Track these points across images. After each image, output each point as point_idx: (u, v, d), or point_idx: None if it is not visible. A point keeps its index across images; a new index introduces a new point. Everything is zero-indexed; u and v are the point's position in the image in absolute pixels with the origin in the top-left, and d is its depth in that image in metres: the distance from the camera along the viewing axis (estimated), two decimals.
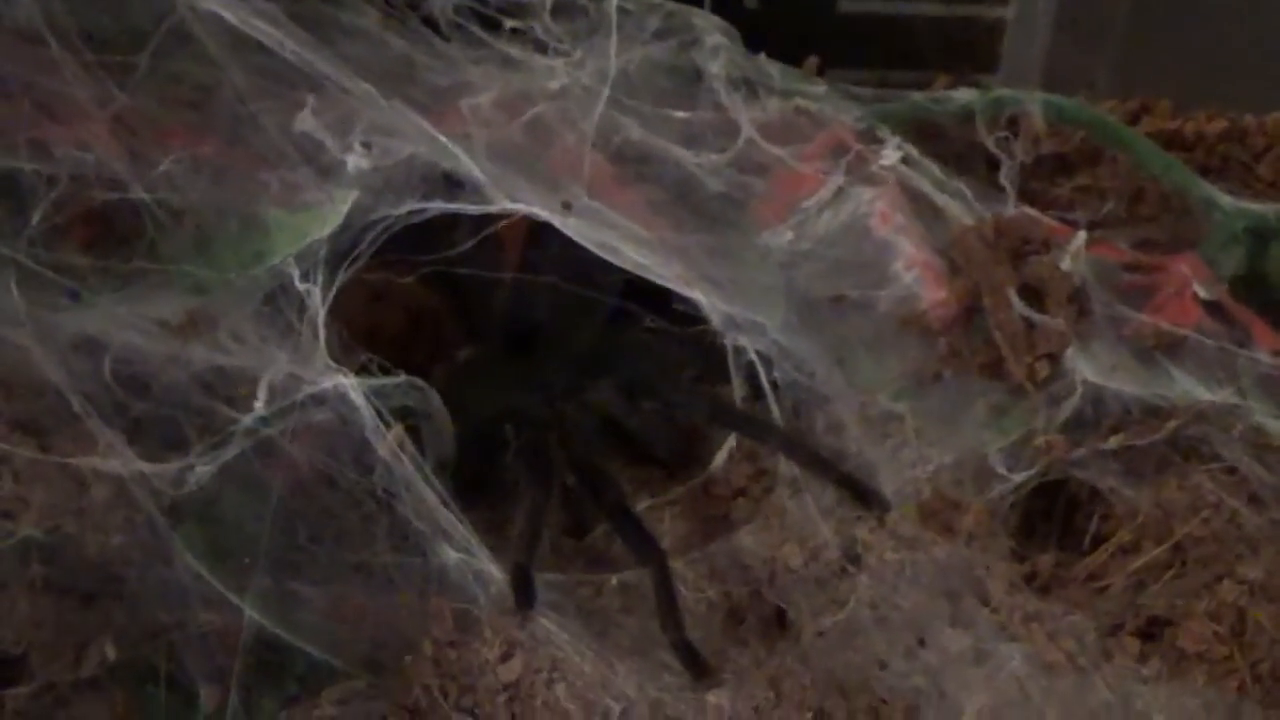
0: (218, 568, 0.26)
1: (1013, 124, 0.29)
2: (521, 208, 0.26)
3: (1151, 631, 0.27)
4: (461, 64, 0.28)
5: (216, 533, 0.27)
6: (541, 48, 0.27)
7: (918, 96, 0.31)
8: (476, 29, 0.28)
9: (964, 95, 0.30)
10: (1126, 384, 0.28)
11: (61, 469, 0.25)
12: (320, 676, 0.25)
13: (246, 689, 0.25)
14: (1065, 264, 0.27)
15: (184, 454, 0.26)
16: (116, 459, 0.25)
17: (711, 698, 0.26)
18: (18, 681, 0.26)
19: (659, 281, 0.27)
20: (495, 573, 0.26)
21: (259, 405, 0.26)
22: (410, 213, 0.27)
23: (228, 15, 0.26)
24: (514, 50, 0.28)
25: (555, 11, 0.27)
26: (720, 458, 0.27)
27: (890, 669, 0.26)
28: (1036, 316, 0.27)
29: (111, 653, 0.26)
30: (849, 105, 0.30)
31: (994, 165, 0.29)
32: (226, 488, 0.25)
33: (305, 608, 0.26)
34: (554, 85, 0.27)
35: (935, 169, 0.28)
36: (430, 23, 0.27)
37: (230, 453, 0.26)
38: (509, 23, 0.27)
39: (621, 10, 0.26)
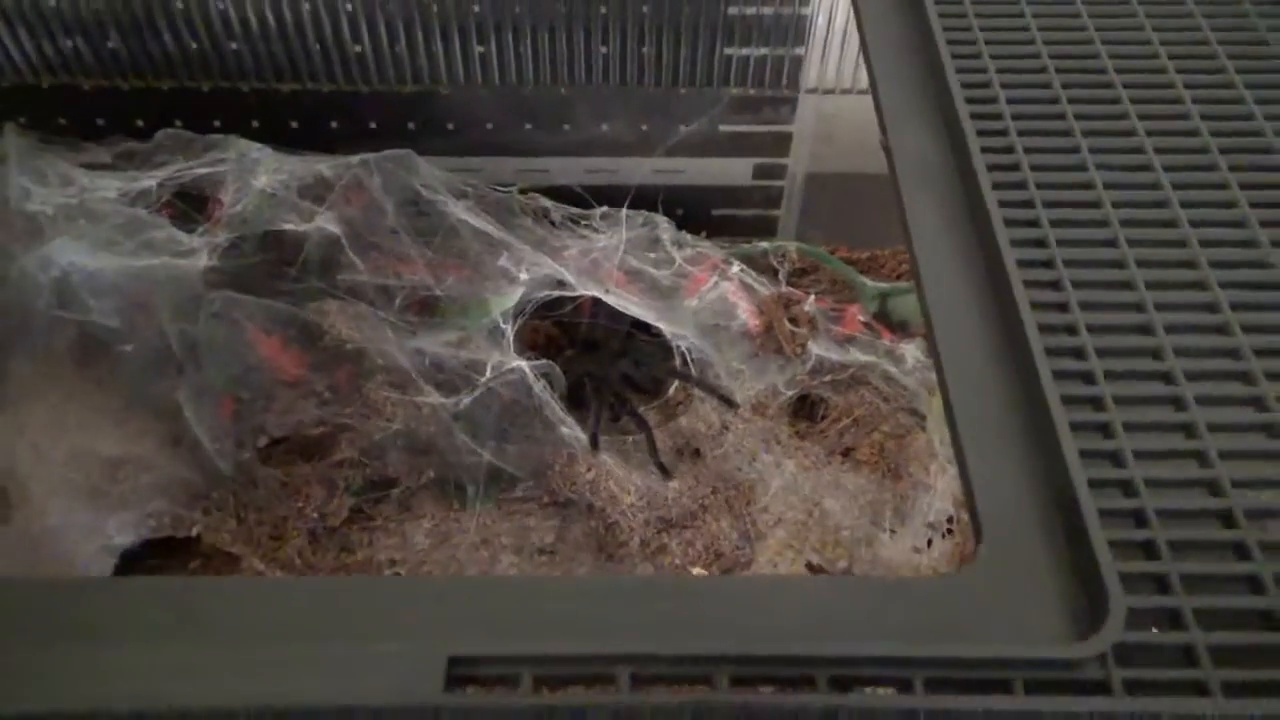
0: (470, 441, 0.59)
1: (782, 256, 0.66)
2: (589, 292, 0.62)
3: (846, 452, 0.62)
4: (562, 236, 0.64)
5: (474, 429, 0.59)
6: (594, 230, 0.64)
7: (745, 246, 0.68)
8: (569, 223, 0.64)
9: (763, 245, 0.68)
10: (833, 353, 0.64)
11: (413, 404, 0.58)
12: (513, 479, 0.58)
13: (484, 485, 0.58)
14: (806, 307, 0.64)
15: (457, 395, 0.60)
16: (434, 397, 0.59)
17: (673, 484, 0.60)
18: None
19: (644, 319, 0.63)
20: (581, 437, 0.60)
21: (489, 373, 0.59)
22: (545, 296, 0.62)
23: (470, 218, 0.62)
24: (582, 230, 0.64)
25: (601, 217, 0.63)
26: (671, 389, 0.62)
27: (742, 471, 0.60)
28: (795, 329, 0.63)
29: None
30: (719, 250, 0.67)
31: (775, 272, 0.66)
32: (478, 409, 0.59)
33: (507, 454, 0.59)
34: (600, 244, 0.63)
35: (752, 274, 0.64)
36: (549, 219, 0.64)
37: (478, 393, 0.59)
38: (582, 221, 0.64)
39: (628, 218, 0.62)
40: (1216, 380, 0.29)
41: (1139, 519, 0.26)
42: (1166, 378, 0.29)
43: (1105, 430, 0.27)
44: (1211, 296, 0.31)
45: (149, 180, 0.55)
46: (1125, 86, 0.37)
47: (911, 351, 0.61)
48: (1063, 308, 0.30)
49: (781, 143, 0.66)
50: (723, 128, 0.65)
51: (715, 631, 0.23)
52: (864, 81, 0.63)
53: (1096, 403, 0.28)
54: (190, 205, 0.56)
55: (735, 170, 0.67)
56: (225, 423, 0.55)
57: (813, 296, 0.62)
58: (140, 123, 0.63)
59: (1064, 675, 0.23)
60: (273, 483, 0.56)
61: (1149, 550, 0.25)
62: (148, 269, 0.54)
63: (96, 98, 0.62)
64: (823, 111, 0.65)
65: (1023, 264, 0.30)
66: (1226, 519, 0.26)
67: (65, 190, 0.54)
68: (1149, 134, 0.35)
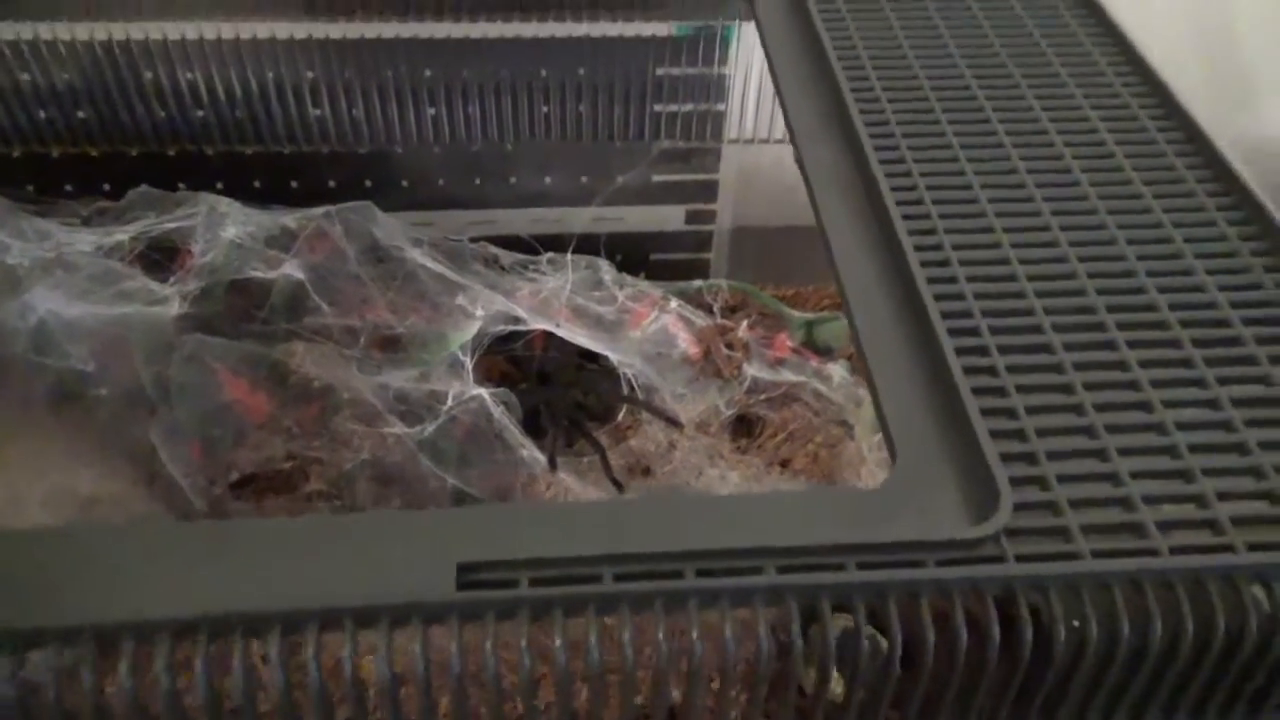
0: (435, 467, 0.63)
1: (715, 293, 0.73)
2: (540, 326, 0.67)
3: (784, 463, 0.67)
4: (512, 279, 0.69)
5: (438, 455, 0.63)
6: (542, 274, 0.69)
7: (681, 284, 0.74)
8: (518, 268, 0.69)
9: (697, 283, 0.74)
10: (766, 374, 0.69)
11: (379, 434, 0.61)
12: (476, 502, 0.62)
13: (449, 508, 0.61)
14: (740, 334, 0.69)
15: (421, 424, 0.63)
16: (399, 427, 0.63)
17: (627, 496, 0.64)
18: None
19: (593, 349, 0.68)
20: (540, 458, 0.63)
21: (450, 402, 0.63)
22: (499, 331, 0.67)
23: (427, 262, 0.66)
24: (530, 274, 0.70)
25: (548, 262, 0.68)
26: (620, 414, 0.67)
27: (690, 484, 0.64)
28: (731, 353, 0.69)
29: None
30: (659, 289, 0.73)
31: (709, 308, 0.72)
32: (441, 437, 0.62)
33: (470, 478, 0.62)
34: (548, 286, 0.68)
35: (689, 309, 0.70)
36: (500, 265, 0.69)
37: (441, 421, 0.63)
38: (531, 266, 0.69)
39: (572, 262, 0.68)
40: (1078, 332, 0.35)
41: (1020, 436, 0.31)
42: (1035, 329, 0.35)
43: (991, 371, 0.33)
44: (1074, 270, 0.37)
45: (122, 234, 0.59)
46: (988, 101, 0.45)
47: (838, 371, 0.67)
48: (947, 270, 0.36)
49: (709, 190, 0.73)
50: (655, 178, 0.72)
51: (682, 536, 0.28)
52: (779, 132, 0.70)
53: (983, 351, 0.34)
54: (162, 256, 0.60)
55: (669, 216, 0.74)
56: (197, 460, 0.58)
57: (745, 324, 0.68)
58: (107, 186, 0.66)
59: (966, 553, 0.28)
60: (245, 516, 0.58)
61: (1030, 459, 0.31)
62: (122, 316, 0.57)
63: (65, 164, 0.66)
64: (744, 160, 0.72)
65: (913, 234, 0.36)
66: (1089, 432, 0.31)
67: (42, 244, 0.57)
68: (1008, 134, 0.42)
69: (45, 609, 0.25)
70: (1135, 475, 0.30)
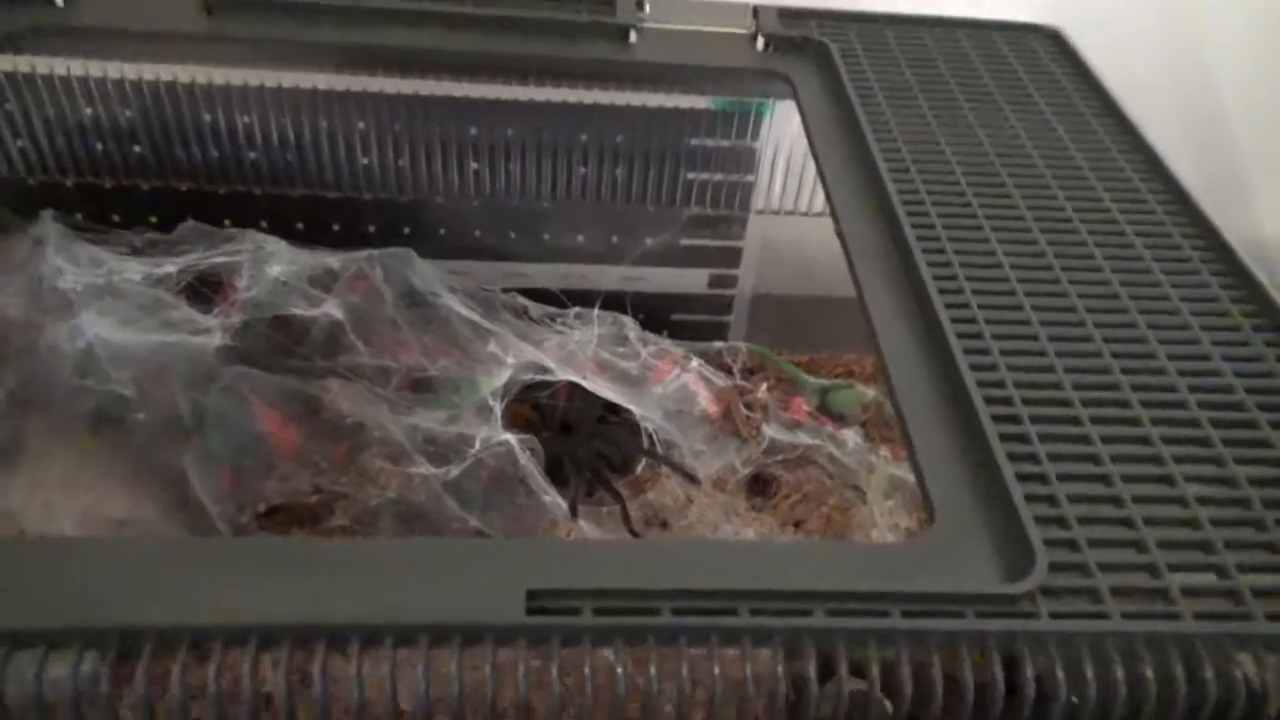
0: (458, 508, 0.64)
1: (734, 355, 0.75)
2: (566, 377, 0.69)
3: (798, 524, 0.68)
4: (540, 330, 0.71)
5: (462, 497, 0.63)
6: (569, 327, 0.71)
7: (702, 345, 0.76)
8: (546, 319, 0.71)
9: (717, 345, 0.76)
10: (783, 436, 0.71)
11: (406, 474, 0.62)
12: None
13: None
14: (759, 395, 0.71)
15: (447, 465, 0.64)
16: (425, 467, 0.64)
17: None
18: None
19: (616, 402, 0.70)
20: (562, 505, 0.64)
21: (478, 445, 0.64)
22: (527, 380, 0.68)
23: (461, 309, 0.68)
24: (558, 326, 0.72)
25: (575, 316, 0.70)
26: (640, 466, 0.68)
27: (706, 537, 0.66)
28: (750, 414, 0.70)
29: None
30: (681, 348, 0.75)
31: (728, 369, 0.74)
32: (466, 479, 0.64)
33: (493, 521, 0.63)
34: (575, 339, 0.70)
35: (709, 369, 0.72)
36: (529, 316, 0.71)
37: (468, 463, 0.64)
38: (558, 319, 0.71)
39: (598, 318, 0.70)
40: (1104, 407, 0.37)
41: (1051, 501, 0.33)
42: (1067, 403, 0.37)
43: (1023, 439, 0.35)
44: (1109, 366, 0.39)
45: (171, 265, 0.61)
46: (1016, 187, 0.47)
47: (851, 436, 0.69)
48: (980, 343, 0.38)
49: (733, 256, 0.75)
50: (683, 241, 0.74)
51: (737, 577, 0.29)
52: (804, 205, 0.73)
53: (1015, 419, 0.36)
54: (208, 289, 0.62)
55: (692, 279, 0.76)
56: (227, 489, 0.59)
57: (764, 387, 0.70)
58: (154, 219, 0.69)
59: (1005, 608, 0.29)
60: None
61: (1061, 523, 0.32)
62: (165, 344, 0.59)
63: (116, 195, 0.68)
64: (769, 231, 0.75)
65: (949, 307, 0.39)
66: (1116, 502, 0.33)
67: (95, 271, 0.59)
68: (1035, 220, 0.45)
69: (141, 610, 0.26)
70: (1160, 544, 0.32)
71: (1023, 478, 0.33)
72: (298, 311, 0.62)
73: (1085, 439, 0.36)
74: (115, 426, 0.57)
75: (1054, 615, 0.29)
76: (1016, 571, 0.31)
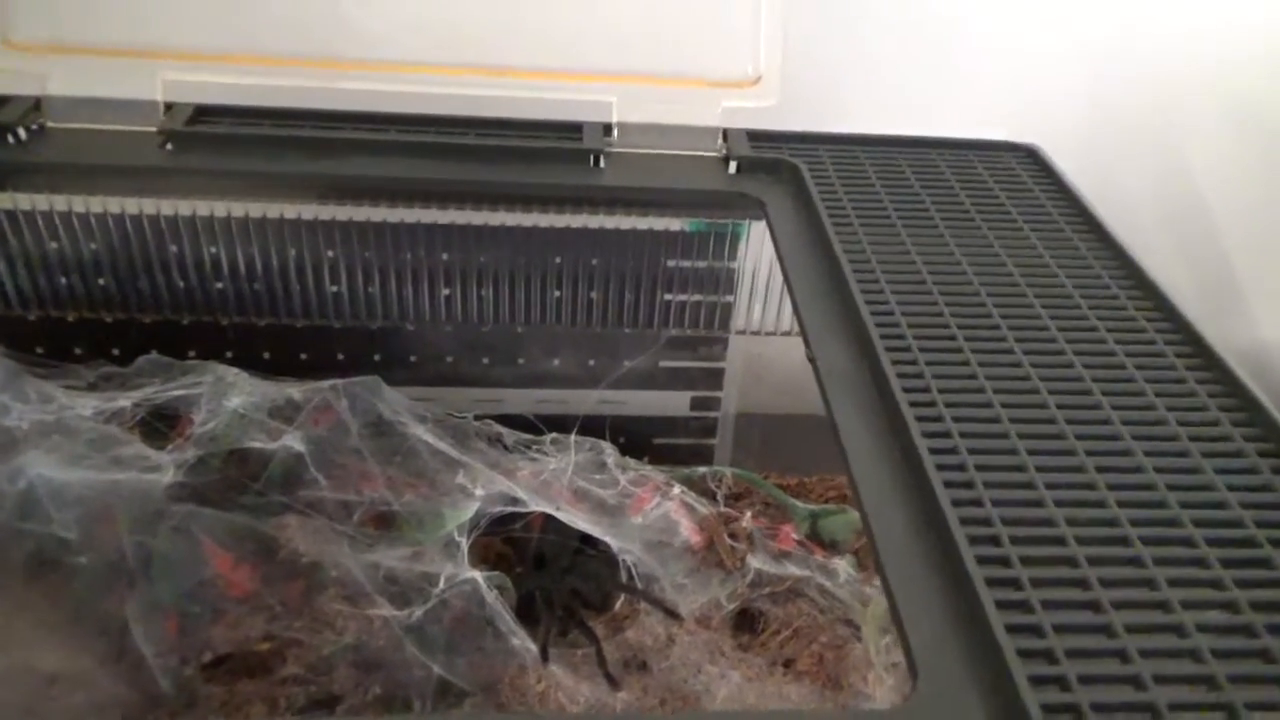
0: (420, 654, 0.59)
1: (719, 480, 0.71)
2: (539, 508, 0.65)
3: (787, 664, 0.63)
4: (514, 459, 0.68)
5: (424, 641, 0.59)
6: (545, 454, 0.68)
7: (684, 470, 0.73)
8: (521, 447, 0.68)
9: (701, 469, 0.73)
10: (770, 567, 0.67)
11: (365, 616, 0.58)
12: (461, 694, 0.57)
13: (431, 701, 0.57)
14: (744, 524, 0.68)
15: (409, 607, 0.60)
16: (386, 609, 0.59)
17: (621, 695, 0.60)
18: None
19: (592, 534, 0.66)
20: (532, 647, 0.60)
21: (442, 584, 0.60)
22: (497, 512, 0.65)
23: (430, 439, 0.65)
24: (533, 454, 0.69)
25: (551, 442, 0.68)
26: (618, 603, 0.64)
27: (688, 682, 0.61)
28: (735, 544, 0.66)
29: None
30: (663, 474, 0.72)
31: (713, 495, 0.70)
32: (429, 621, 0.59)
33: (457, 667, 0.58)
34: (550, 467, 0.67)
35: (692, 495, 0.69)
36: (503, 444, 0.68)
37: (430, 604, 0.60)
38: (533, 446, 0.68)
39: (575, 444, 0.67)
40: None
41: (1050, 657, 0.29)
42: (1060, 541, 0.33)
43: (1013, 583, 0.32)
44: (1102, 497, 0.36)
45: (125, 400, 0.59)
46: (996, 307, 0.45)
47: (843, 566, 0.65)
48: (964, 474, 0.35)
49: (715, 378, 0.73)
50: (662, 364, 0.72)
51: None
52: (785, 325, 0.71)
53: (1005, 562, 0.32)
54: (164, 424, 0.59)
55: (674, 402, 0.74)
56: (171, 638, 0.55)
57: (749, 514, 0.66)
58: (117, 351, 0.67)
59: None
60: (213, 702, 0.55)
61: (1061, 684, 0.29)
62: (114, 483, 0.56)
63: (77, 328, 0.66)
64: (750, 351, 0.72)
65: (927, 436, 0.36)
66: (1122, 656, 0.30)
67: (44, 407, 0.56)
68: (1018, 341, 0.43)
69: None
70: (1158, 679, 0.29)
71: (1013, 629, 0.30)
72: (256, 445, 0.60)
73: (1083, 583, 0.32)
74: (53, 572, 0.54)
75: None
76: None
